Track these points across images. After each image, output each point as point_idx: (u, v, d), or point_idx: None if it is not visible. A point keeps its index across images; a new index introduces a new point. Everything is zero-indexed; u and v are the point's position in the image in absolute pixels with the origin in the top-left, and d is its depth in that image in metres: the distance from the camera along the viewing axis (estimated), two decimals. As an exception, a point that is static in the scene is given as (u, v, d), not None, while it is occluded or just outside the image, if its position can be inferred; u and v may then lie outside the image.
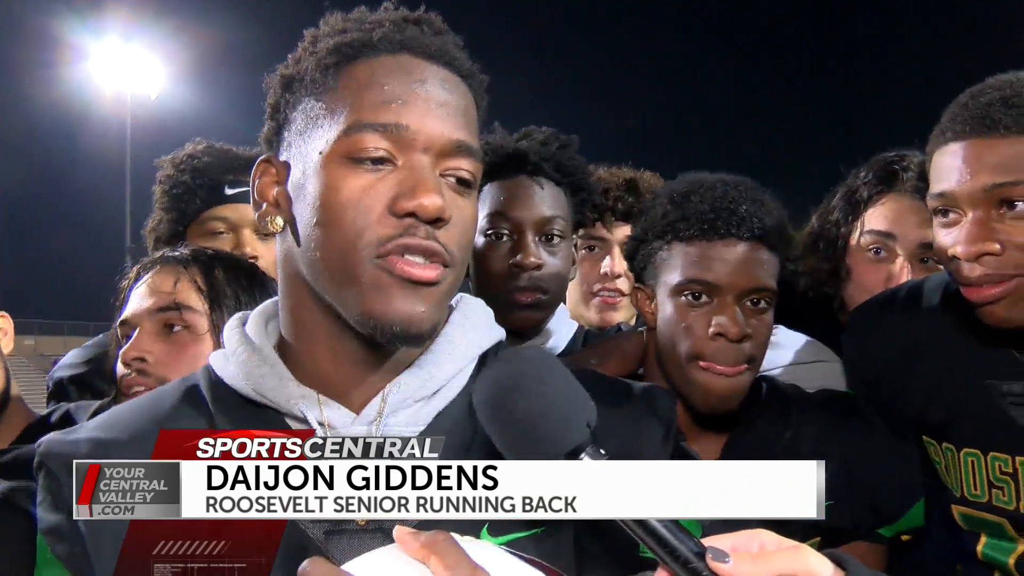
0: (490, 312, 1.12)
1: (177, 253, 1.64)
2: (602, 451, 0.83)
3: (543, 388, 0.85)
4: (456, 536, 0.78)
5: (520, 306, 1.76)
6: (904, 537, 1.56)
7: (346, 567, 0.77)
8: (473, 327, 1.06)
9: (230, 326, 1.09)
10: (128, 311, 1.57)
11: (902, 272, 1.87)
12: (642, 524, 0.79)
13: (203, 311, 1.54)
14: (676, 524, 0.79)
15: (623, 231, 2.22)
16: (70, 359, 2.23)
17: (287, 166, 1.01)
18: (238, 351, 1.03)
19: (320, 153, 0.95)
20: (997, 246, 1.32)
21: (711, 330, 1.44)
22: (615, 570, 0.92)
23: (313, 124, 0.97)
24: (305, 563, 0.75)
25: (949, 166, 1.36)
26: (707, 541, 0.79)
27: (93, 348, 2.21)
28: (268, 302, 1.12)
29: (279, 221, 1.00)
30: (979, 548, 1.54)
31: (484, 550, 0.80)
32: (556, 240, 1.79)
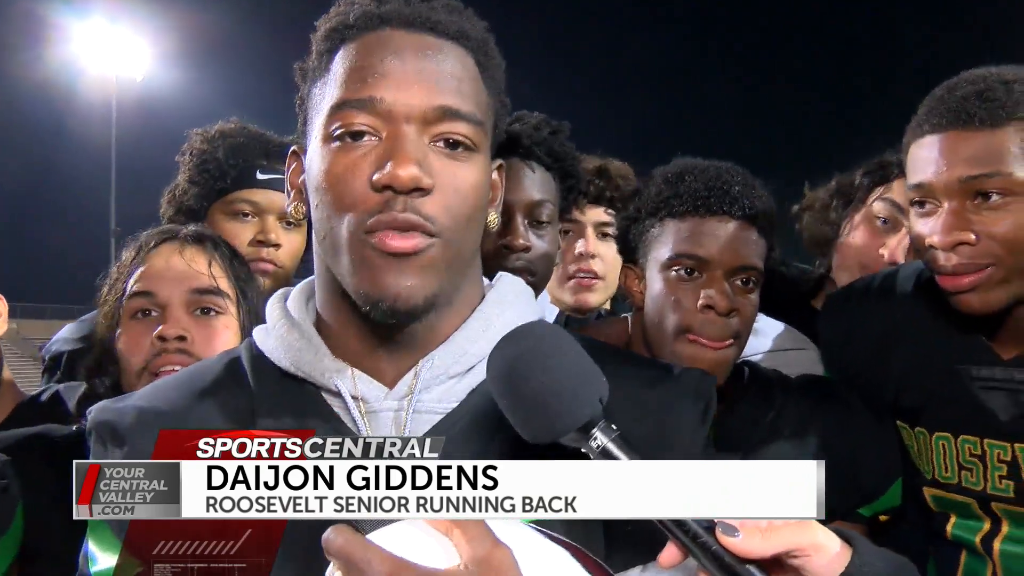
0: (529, 291, 1.11)
1: (203, 233, 1.59)
2: (614, 426, 0.82)
3: (553, 363, 0.84)
4: None
5: None
6: (882, 517, 1.60)
7: (370, 537, 0.77)
8: (510, 305, 1.06)
9: (273, 301, 1.11)
10: (152, 283, 1.50)
11: (896, 250, 1.91)
12: None
13: (233, 298, 1.52)
14: None
15: (595, 213, 2.25)
16: (66, 333, 2.21)
17: (306, 154, 1.03)
18: (278, 325, 1.06)
19: (315, 138, 0.98)
20: (972, 236, 1.36)
21: (700, 302, 1.47)
22: (643, 549, 0.90)
23: (315, 111, 1.00)
24: (329, 530, 0.75)
25: (926, 158, 1.39)
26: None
27: (88, 324, 2.12)
28: (306, 281, 1.12)
29: (301, 208, 1.04)
30: (948, 529, 1.58)
31: (508, 525, 0.80)
32: (544, 224, 1.80)
